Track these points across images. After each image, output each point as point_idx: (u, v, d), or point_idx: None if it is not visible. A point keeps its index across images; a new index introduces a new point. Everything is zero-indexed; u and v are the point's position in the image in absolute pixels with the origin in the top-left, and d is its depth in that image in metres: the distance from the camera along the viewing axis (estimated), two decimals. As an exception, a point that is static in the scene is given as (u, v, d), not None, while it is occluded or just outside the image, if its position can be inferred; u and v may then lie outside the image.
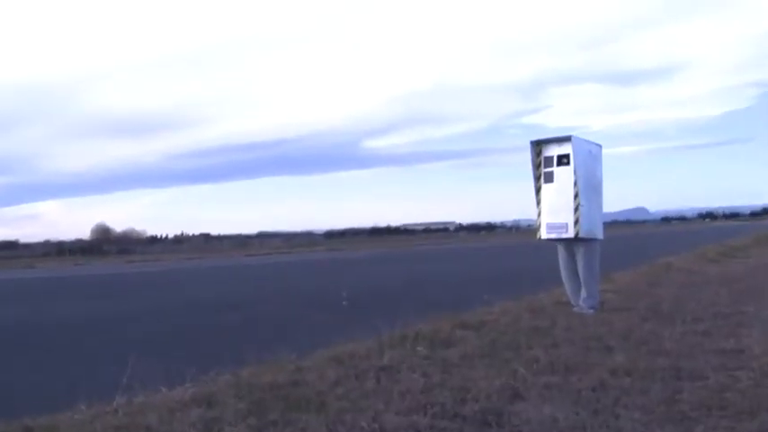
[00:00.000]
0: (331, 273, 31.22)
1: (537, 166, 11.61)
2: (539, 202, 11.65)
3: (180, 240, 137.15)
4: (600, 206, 11.83)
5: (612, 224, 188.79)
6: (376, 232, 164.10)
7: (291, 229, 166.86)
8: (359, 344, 8.38)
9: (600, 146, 11.97)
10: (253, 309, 16.11)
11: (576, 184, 11.13)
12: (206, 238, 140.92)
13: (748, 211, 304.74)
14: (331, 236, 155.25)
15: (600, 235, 11.77)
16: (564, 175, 11.26)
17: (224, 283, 27.56)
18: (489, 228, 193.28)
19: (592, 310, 11.21)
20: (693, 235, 65.40)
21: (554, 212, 11.41)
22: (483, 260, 37.94)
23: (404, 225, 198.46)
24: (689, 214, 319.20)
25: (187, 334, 12.46)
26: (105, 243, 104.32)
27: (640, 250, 35.90)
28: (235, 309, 15.91)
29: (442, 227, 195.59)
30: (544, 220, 11.56)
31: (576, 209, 11.15)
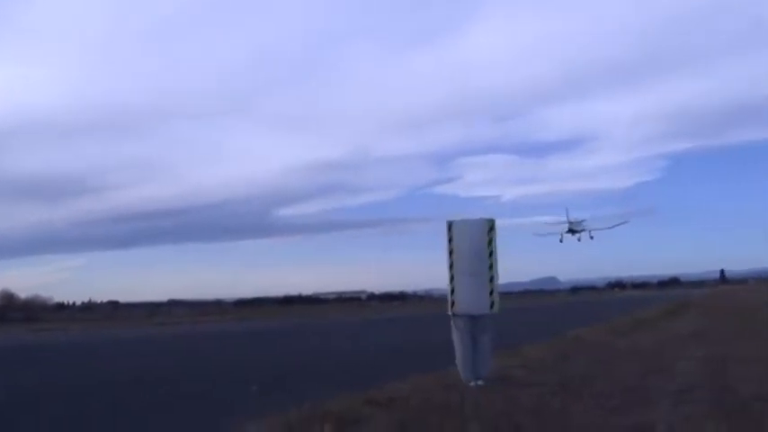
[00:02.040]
0: (239, 345, 30.64)
1: (450, 246, 12.25)
2: (451, 279, 12.26)
3: (88, 308, 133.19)
4: (490, 281, 12.22)
5: (524, 294, 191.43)
6: (287, 301, 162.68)
7: (201, 297, 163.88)
8: (261, 423, 8.18)
9: (493, 220, 12.44)
10: (174, 384, 15.58)
11: (491, 265, 12.06)
12: (114, 305, 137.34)
13: (656, 281, 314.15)
14: (241, 304, 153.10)
15: (488, 309, 12.21)
16: (478, 254, 12.06)
17: (132, 356, 26.66)
18: (402, 297, 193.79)
19: (481, 381, 11.79)
20: (603, 306, 66.84)
21: (467, 290, 12.12)
22: (397, 331, 37.85)
23: (315, 294, 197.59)
24: (599, 284, 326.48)
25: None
26: (9, 310, 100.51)
27: (549, 322, 36.48)
28: (141, 383, 15.33)
29: (354, 296, 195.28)
30: (458, 297, 12.24)
31: (491, 287, 12.03)
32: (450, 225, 12.38)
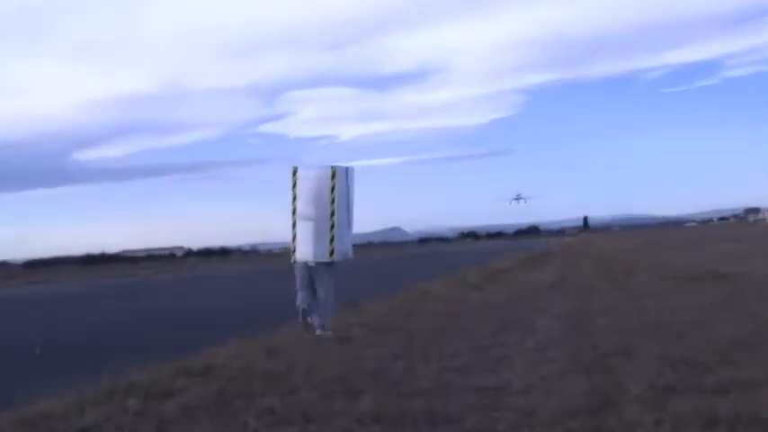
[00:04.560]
0: (24, 314, 29.65)
1: (293, 191, 13.93)
2: (294, 225, 13.91)
3: None
4: (351, 228, 14.46)
5: (366, 246, 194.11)
6: (88, 261, 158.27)
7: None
8: (56, 401, 7.92)
9: (353, 168, 14.57)
10: None
11: (333, 212, 13.70)
12: None
13: (513, 230, 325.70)
14: (32, 266, 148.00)
15: (350, 255, 14.41)
16: (319, 201, 13.76)
17: None
18: (224, 253, 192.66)
19: (331, 332, 13.30)
20: (454, 257, 68.70)
21: (308, 237, 13.79)
22: (217, 291, 37.61)
23: (123, 252, 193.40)
24: (450, 234, 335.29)
25: None
26: None
27: (395, 276, 37.15)
28: None
29: (167, 253, 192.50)
30: (299, 244, 13.89)
31: (332, 234, 13.74)
32: (294, 170, 13.91)
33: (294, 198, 13.95)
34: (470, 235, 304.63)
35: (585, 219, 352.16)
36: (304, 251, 13.93)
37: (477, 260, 49.82)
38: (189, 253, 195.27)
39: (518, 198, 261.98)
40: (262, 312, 19.43)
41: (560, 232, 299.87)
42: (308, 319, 13.73)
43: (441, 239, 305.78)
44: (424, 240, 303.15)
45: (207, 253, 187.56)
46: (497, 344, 11.24)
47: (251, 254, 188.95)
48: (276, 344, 12.08)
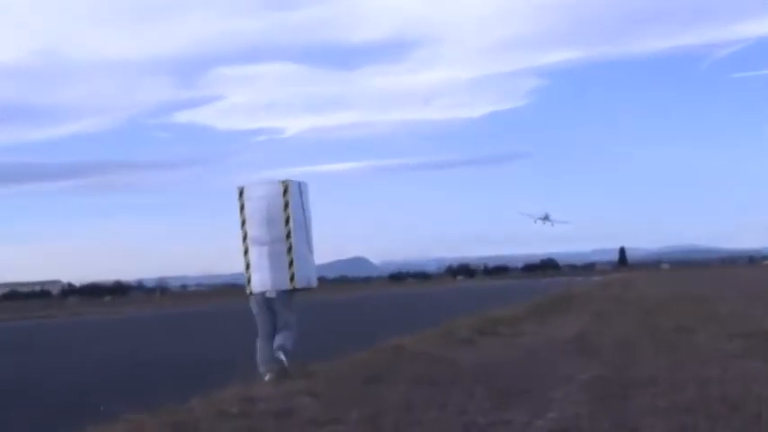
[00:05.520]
0: None
1: (242, 215, 16.81)
2: (245, 252, 16.79)
3: None
4: (312, 251, 17.25)
5: (322, 283, 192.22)
6: None
7: None
8: None
9: (306, 184, 17.26)
10: None
11: (289, 233, 16.41)
12: None
13: (521, 264, 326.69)
14: None
15: (314, 283, 17.46)
16: (272, 222, 16.53)
17: None
18: (118, 290, 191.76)
19: (285, 361, 16.10)
20: (438, 300, 68.61)
21: (263, 264, 16.54)
22: (113, 344, 37.51)
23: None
24: (432, 268, 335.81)
25: None
26: None
27: (357, 323, 37.09)
28: None
29: (38, 289, 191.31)
30: (254, 273, 16.67)
31: (290, 258, 16.39)
32: (241, 191, 16.76)
33: (243, 222, 16.73)
34: (462, 270, 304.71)
35: (622, 250, 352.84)
36: (260, 280, 16.57)
37: (469, 305, 49.76)
38: (69, 290, 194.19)
39: (545, 218, 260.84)
40: (180, 372, 19.41)
41: (587, 268, 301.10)
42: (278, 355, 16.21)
43: (420, 275, 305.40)
44: (397, 277, 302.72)
45: (94, 290, 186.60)
46: (497, 422, 11.19)
47: (157, 291, 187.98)
48: (188, 418, 12.00)
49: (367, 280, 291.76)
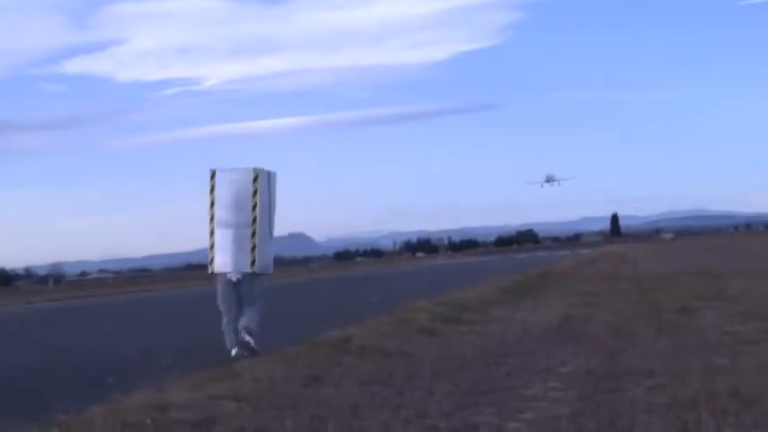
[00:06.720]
0: None
1: (211, 196, 20.73)
2: (211, 234, 20.59)
3: None
4: (272, 239, 21.60)
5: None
6: None
7: None
8: None
9: (275, 174, 21.56)
10: None
11: (255, 219, 20.26)
12: None
13: (492, 237, 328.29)
14: None
15: (270, 270, 22.02)
16: (240, 207, 20.45)
17: None
18: (1, 279, 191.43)
19: (253, 342, 20.01)
20: (393, 281, 68.65)
21: (227, 246, 20.47)
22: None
23: None
24: (386, 244, 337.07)
25: None
26: None
27: (294, 312, 37.09)
28: None
29: None
30: (217, 254, 20.56)
31: (253, 242, 20.33)
32: (213, 173, 20.61)
33: (212, 203, 20.52)
34: (421, 246, 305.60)
35: (615, 218, 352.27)
36: (222, 261, 20.55)
37: (429, 286, 49.84)
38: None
39: (549, 180, 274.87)
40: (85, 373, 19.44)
41: (572, 240, 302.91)
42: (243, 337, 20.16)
43: (371, 253, 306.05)
44: (344, 255, 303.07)
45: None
46: (459, 427, 11.22)
47: (50, 280, 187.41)
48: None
49: (307, 260, 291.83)
